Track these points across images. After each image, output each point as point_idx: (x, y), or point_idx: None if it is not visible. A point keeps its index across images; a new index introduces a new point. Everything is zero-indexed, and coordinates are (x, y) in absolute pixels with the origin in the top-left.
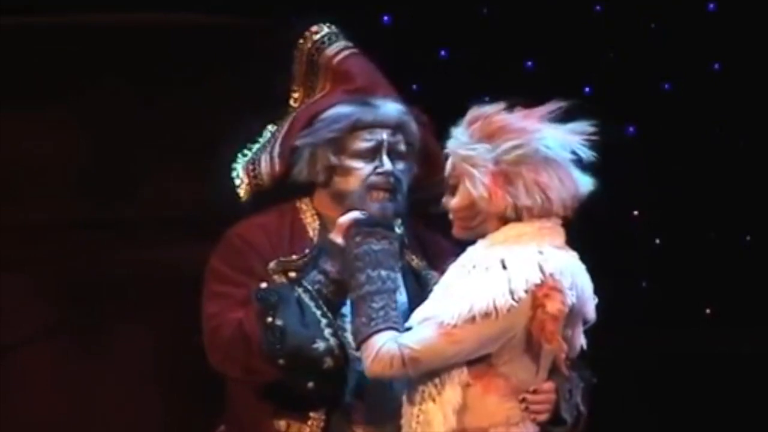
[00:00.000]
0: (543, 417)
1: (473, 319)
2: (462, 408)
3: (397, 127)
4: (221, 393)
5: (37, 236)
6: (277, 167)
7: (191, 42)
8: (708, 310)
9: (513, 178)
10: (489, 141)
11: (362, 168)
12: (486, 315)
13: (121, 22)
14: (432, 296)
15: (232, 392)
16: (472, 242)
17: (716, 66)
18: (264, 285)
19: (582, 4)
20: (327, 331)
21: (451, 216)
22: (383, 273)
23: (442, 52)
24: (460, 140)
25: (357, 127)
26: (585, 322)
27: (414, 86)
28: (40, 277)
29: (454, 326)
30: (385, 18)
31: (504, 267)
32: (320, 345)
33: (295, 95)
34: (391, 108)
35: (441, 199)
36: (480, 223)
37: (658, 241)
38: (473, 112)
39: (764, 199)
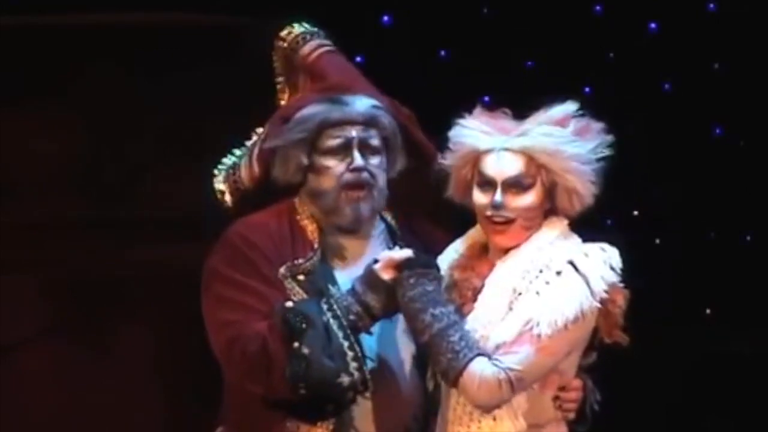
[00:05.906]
0: (572, 414)
1: (565, 328)
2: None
3: (367, 123)
4: (221, 392)
5: (37, 236)
6: (255, 170)
7: (191, 42)
8: (708, 310)
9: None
10: (584, 139)
11: (335, 166)
12: (575, 321)
13: (121, 22)
14: (496, 304)
15: (236, 394)
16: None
17: (716, 66)
18: (289, 304)
19: (582, 4)
20: (352, 366)
21: (510, 216)
22: (444, 309)
23: (442, 52)
24: (558, 137)
25: (325, 125)
26: None
27: (414, 86)
28: (40, 277)
29: (549, 339)
30: (385, 18)
31: (576, 269)
32: (344, 380)
33: (283, 96)
34: (360, 104)
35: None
36: (539, 224)
37: (658, 241)
38: (559, 111)
39: (764, 199)
